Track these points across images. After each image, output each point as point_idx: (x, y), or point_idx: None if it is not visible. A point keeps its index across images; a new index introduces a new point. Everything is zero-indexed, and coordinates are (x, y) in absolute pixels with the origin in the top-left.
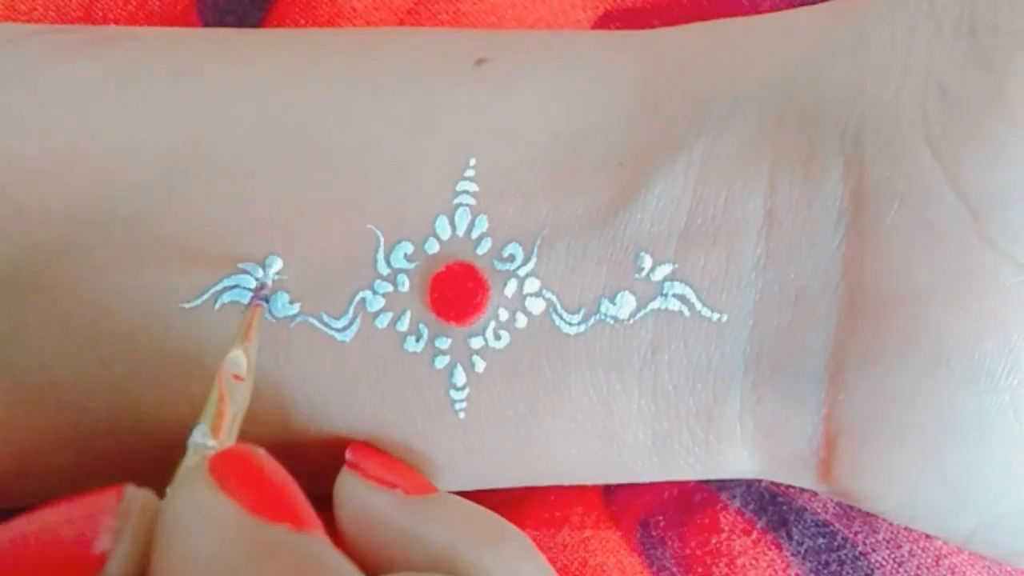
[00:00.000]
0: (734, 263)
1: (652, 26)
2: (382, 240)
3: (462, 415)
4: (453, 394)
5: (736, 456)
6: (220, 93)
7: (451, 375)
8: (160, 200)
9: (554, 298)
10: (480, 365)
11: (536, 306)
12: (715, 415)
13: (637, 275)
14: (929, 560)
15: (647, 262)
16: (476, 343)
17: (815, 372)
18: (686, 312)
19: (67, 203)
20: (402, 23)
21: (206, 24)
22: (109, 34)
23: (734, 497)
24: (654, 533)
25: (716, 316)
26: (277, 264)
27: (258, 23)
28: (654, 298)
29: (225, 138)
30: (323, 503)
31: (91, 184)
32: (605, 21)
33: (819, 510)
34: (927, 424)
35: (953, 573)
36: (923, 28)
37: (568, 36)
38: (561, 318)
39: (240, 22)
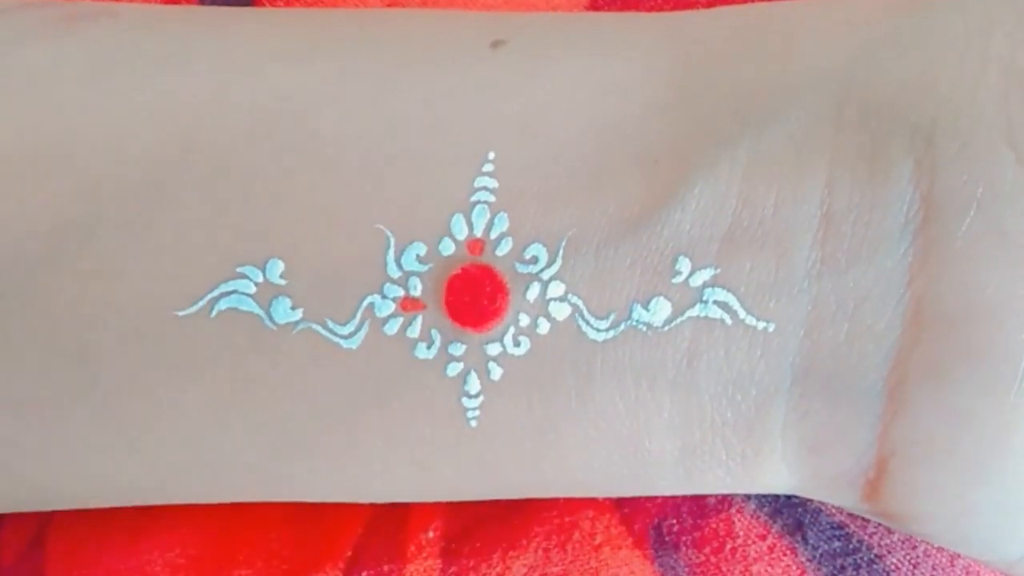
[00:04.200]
0: (784, 269)
1: (648, 6)
2: (392, 241)
3: (474, 423)
4: (466, 402)
5: (773, 471)
6: (212, 81)
7: (464, 382)
8: (150, 200)
9: (580, 303)
10: (497, 372)
11: (560, 311)
12: (755, 427)
13: (674, 280)
14: (944, 560)
15: (685, 266)
16: (493, 349)
17: (872, 387)
18: (728, 320)
19: (49, 207)
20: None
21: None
22: (85, 10)
23: (749, 498)
24: (667, 538)
25: (762, 325)
26: (278, 267)
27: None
28: (692, 305)
29: (219, 131)
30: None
31: (75, 185)
32: (599, 3)
33: (834, 511)
34: (992, 447)
35: (967, 573)
36: (1001, 18)
37: (592, 17)
38: (588, 324)
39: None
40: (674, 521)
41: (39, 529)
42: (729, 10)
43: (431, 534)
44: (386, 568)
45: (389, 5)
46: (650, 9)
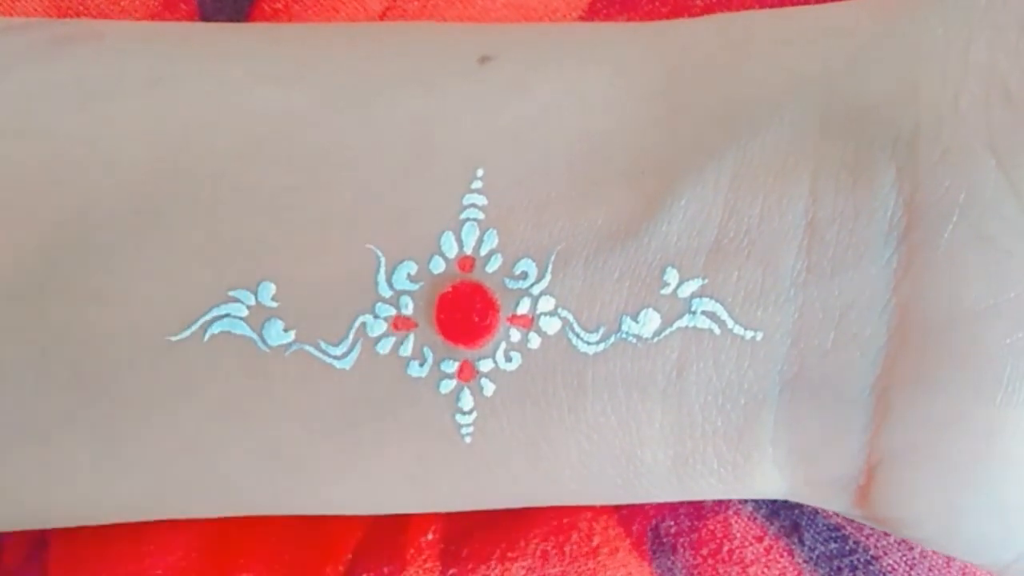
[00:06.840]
0: (771, 278)
1: (646, 10)
2: (383, 260)
3: (468, 439)
4: (459, 418)
5: (765, 478)
6: (201, 103)
7: (457, 399)
8: (140, 225)
9: (570, 317)
10: (489, 388)
11: (551, 326)
12: (745, 435)
13: (663, 291)
14: (940, 562)
15: (673, 277)
16: (485, 365)
17: (859, 394)
18: (716, 330)
19: (40, 235)
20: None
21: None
22: (71, 32)
23: (746, 500)
24: (665, 539)
25: (750, 334)
26: (270, 290)
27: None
28: (681, 316)
29: (208, 154)
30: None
31: (66, 213)
32: (597, 6)
33: (831, 513)
34: (979, 452)
35: (964, 575)
36: (981, 25)
37: (580, 29)
38: (578, 337)
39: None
40: (672, 523)
41: (42, 531)
42: (714, 19)
43: (430, 537)
44: (386, 571)
45: (385, 11)
46: (648, 14)
